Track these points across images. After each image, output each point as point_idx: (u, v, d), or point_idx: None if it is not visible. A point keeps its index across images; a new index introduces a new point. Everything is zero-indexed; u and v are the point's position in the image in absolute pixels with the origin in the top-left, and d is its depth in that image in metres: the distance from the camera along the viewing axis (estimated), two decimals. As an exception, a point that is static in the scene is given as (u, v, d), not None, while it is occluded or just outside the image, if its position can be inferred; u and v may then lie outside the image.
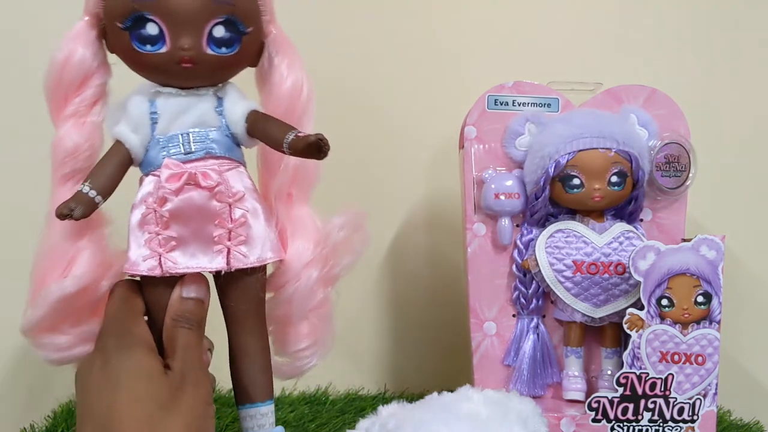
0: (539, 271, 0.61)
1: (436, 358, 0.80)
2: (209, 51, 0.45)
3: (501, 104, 0.63)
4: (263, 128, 0.46)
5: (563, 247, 0.60)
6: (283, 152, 0.45)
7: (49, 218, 0.45)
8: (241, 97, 0.48)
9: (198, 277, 0.47)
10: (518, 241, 0.63)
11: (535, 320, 0.63)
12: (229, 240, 0.45)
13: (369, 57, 0.77)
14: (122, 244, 0.47)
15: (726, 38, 0.81)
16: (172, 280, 0.46)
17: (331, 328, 0.51)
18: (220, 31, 0.45)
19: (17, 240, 0.71)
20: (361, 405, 0.69)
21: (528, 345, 0.62)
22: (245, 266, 0.46)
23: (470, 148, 0.64)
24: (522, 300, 0.63)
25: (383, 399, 0.72)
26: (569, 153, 0.59)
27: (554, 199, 0.61)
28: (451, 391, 0.52)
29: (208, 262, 0.45)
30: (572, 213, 0.62)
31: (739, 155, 0.80)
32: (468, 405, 0.49)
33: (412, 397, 0.70)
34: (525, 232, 0.63)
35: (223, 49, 0.45)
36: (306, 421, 0.65)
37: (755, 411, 0.70)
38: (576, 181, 0.59)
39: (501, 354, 0.63)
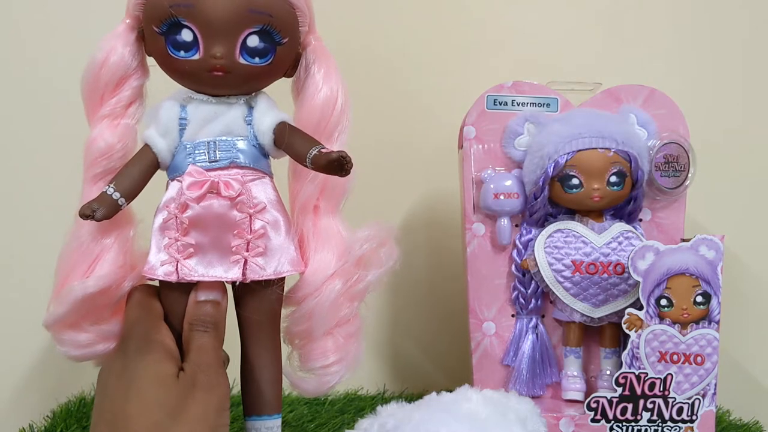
0: (538, 270, 0.61)
1: (435, 359, 0.80)
2: (242, 60, 0.45)
3: (500, 104, 0.63)
4: (289, 141, 0.46)
5: (562, 247, 0.60)
6: (306, 167, 0.45)
7: (77, 216, 0.45)
8: (271, 107, 0.47)
9: (213, 282, 0.47)
10: (517, 241, 0.63)
11: (534, 320, 0.63)
12: (247, 251, 0.45)
13: (367, 56, 0.77)
14: (147, 246, 0.47)
15: (726, 38, 0.81)
16: (188, 287, 0.46)
17: (359, 346, 0.50)
18: (254, 41, 0.44)
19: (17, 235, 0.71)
20: (360, 405, 0.69)
21: (527, 345, 0.62)
22: (261, 278, 0.46)
23: (469, 148, 0.64)
24: (521, 300, 0.63)
25: (382, 399, 0.72)
26: (568, 153, 0.59)
27: (553, 199, 0.61)
28: (450, 391, 0.52)
29: (224, 272, 0.45)
30: (571, 213, 0.62)
31: (739, 155, 0.80)
32: (467, 405, 0.49)
33: (411, 397, 0.70)
34: (524, 232, 0.63)
35: (257, 59, 0.45)
36: (305, 421, 0.65)
37: (754, 411, 0.70)
38: (575, 181, 0.59)
39: (500, 354, 0.63)
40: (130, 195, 0.46)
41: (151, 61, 0.48)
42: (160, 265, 0.45)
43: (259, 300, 0.47)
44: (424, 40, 0.79)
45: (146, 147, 0.47)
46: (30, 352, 0.70)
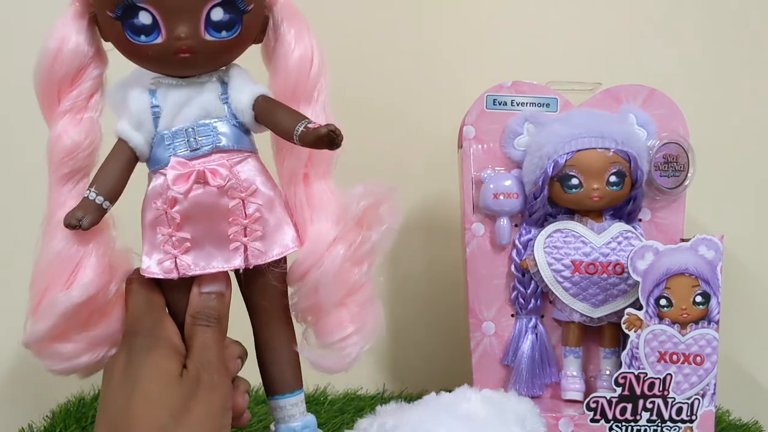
0: (538, 270, 0.61)
1: (435, 358, 0.80)
2: (208, 37, 0.41)
3: (500, 104, 0.63)
4: (272, 118, 0.43)
5: (562, 247, 0.60)
6: (294, 143, 0.42)
7: (48, 222, 0.43)
8: (245, 81, 0.44)
9: (216, 273, 0.44)
10: (517, 241, 0.63)
11: (533, 320, 0.63)
12: (245, 236, 0.43)
13: (367, 56, 0.77)
14: (128, 243, 0.45)
15: (726, 37, 0.81)
16: (190, 281, 0.45)
17: (376, 313, 0.47)
18: (218, 14, 0.41)
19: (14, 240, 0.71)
20: (360, 405, 0.69)
21: (526, 345, 0.62)
22: (264, 262, 0.44)
23: (469, 148, 0.64)
24: (521, 300, 0.63)
25: (382, 399, 0.72)
26: (568, 153, 0.59)
27: (553, 199, 0.61)
28: (450, 391, 0.52)
29: (225, 262, 0.44)
30: (571, 213, 0.62)
31: (738, 155, 0.80)
32: (466, 405, 0.49)
33: (411, 397, 0.70)
34: (524, 232, 0.63)
35: (224, 33, 0.42)
36: (304, 420, 0.65)
37: (754, 411, 0.70)
38: (574, 181, 0.59)
39: (500, 354, 0.63)
40: (114, 196, 0.43)
41: (108, 45, 0.44)
42: (158, 264, 0.43)
43: (263, 283, 0.46)
44: (423, 39, 0.79)
45: (122, 142, 0.43)
46: (29, 352, 0.70)
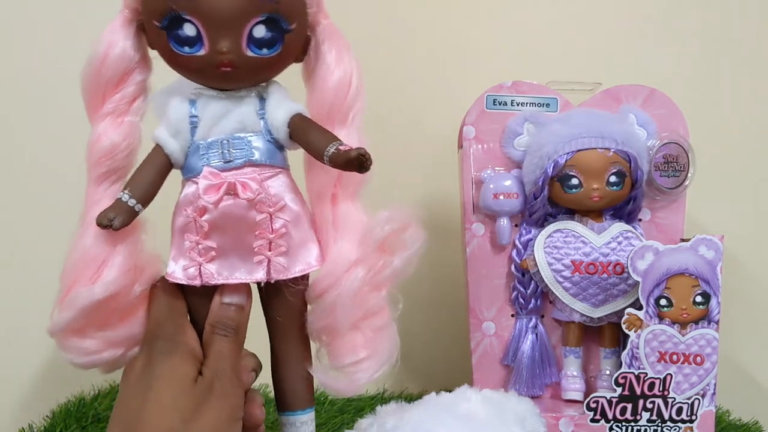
0: (538, 270, 0.61)
1: (435, 359, 0.80)
2: (249, 53, 0.43)
3: (500, 104, 0.63)
4: (305, 137, 0.44)
5: (562, 247, 0.60)
6: (324, 164, 0.43)
7: (83, 219, 0.44)
8: (283, 99, 0.45)
9: (238, 284, 0.45)
10: (517, 241, 0.63)
11: (533, 320, 0.63)
12: (270, 250, 0.44)
13: (367, 56, 0.76)
14: (157, 247, 0.46)
15: (725, 37, 0.81)
16: (212, 289, 0.45)
17: (391, 340, 0.47)
18: (260, 31, 0.42)
19: (19, 240, 0.71)
20: (360, 405, 0.69)
21: (527, 345, 0.62)
22: (286, 277, 0.45)
23: (469, 148, 0.64)
24: (521, 300, 0.63)
25: (382, 399, 0.72)
26: (568, 153, 0.59)
27: (553, 199, 0.61)
28: (450, 391, 0.52)
29: (248, 274, 0.44)
30: (571, 213, 0.62)
31: (738, 155, 0.80)
32: (466, 405, 0.49)
33: (411, 397, 0.70)
34: (524, 232, 0.63)
35: (265, 50, 0.43)
36: (305, 421, 0.65)
37: (754, 411, 0.70)
38: (574, 181, 0.59)
39: (500, 354, 0.63)
40: (146, 200, 0.44)
41: (153, 53, 0.45)
42: (182, 270, 0.44)
43: (284, 299, 0.46)
44: (423, 39, 0.79)
45: (158, 148, 0.45)
46: (30, 353, 0.70)
